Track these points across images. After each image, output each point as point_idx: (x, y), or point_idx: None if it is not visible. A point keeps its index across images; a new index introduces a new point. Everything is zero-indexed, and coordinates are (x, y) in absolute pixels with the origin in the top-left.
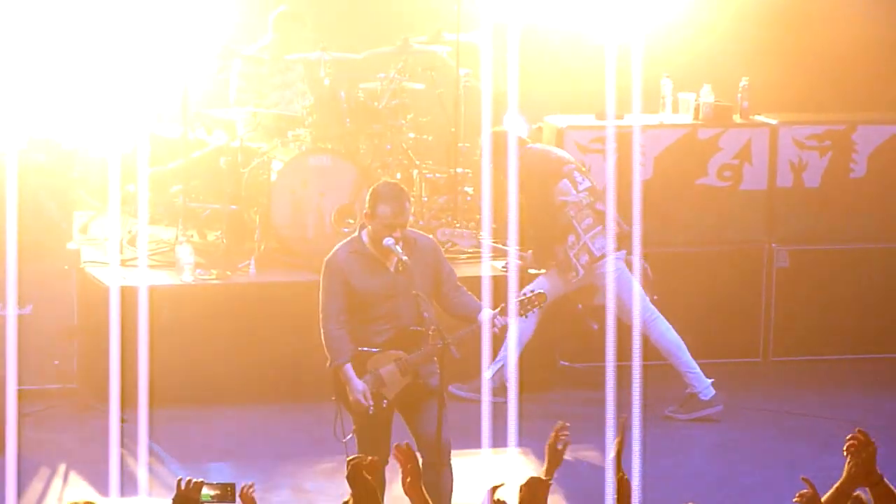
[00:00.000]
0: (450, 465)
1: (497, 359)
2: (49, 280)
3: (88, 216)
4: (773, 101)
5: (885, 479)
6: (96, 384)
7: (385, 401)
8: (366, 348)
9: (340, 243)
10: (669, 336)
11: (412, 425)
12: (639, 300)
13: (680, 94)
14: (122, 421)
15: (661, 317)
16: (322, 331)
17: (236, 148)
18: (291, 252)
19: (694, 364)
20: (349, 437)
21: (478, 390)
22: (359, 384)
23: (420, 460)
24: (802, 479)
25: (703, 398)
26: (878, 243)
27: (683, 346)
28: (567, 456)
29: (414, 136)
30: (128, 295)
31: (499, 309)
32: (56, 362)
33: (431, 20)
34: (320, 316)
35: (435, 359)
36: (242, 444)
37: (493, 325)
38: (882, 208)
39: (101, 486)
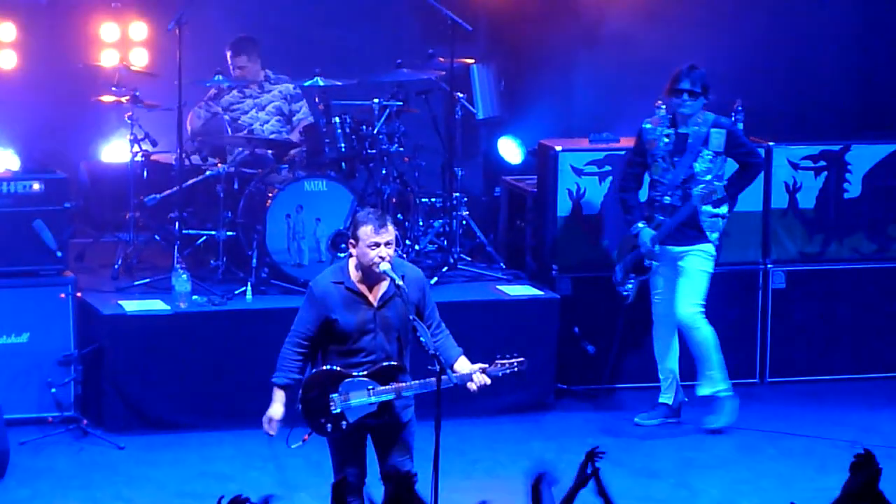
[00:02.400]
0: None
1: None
2: (46, 308)
3: (85, 244)
4: (768, 122)
5: (886, 497)
6: (94, 412)
7: (345, 423)
8: (342, 369)
9: (327, 269)
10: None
11: (380, 456)
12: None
13: None
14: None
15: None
16: (284, 345)
17: (232, 173)
18: (287, 278)
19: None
20: (298, 443)
21: (664, 416)
22: (274, 410)
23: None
24: None
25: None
26: (874, 263)
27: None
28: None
29: (409, 160)
30: (124, 323)
31: (480, 368)
32: (53, 390)
33: (425, 44)
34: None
35: (403, 393)
36: (241, 470)
37: (475, 382)
38: (877, 228)
39: None
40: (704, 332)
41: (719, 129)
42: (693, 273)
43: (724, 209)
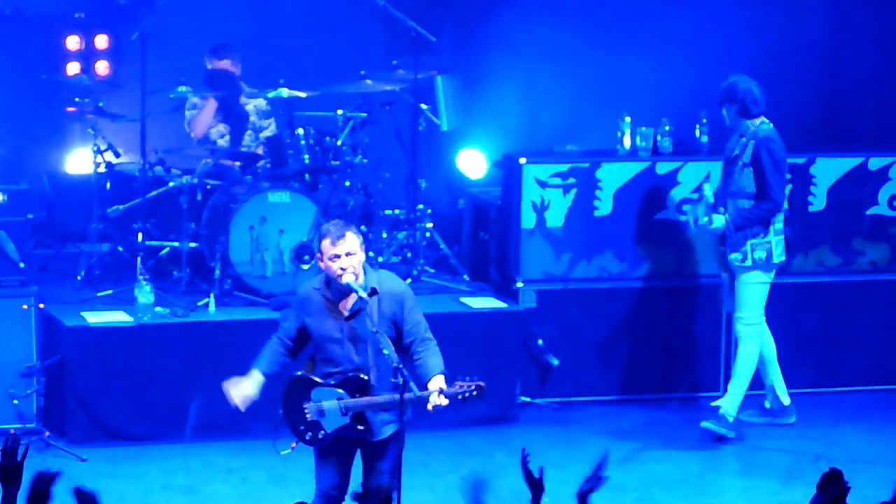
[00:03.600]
0: None
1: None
2: (8, 319)
3: (47, 255)
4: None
5: None
6: (57, 423)
7: (322, 431)
8: (313, 377)
9: (315, 276)
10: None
11: (364, 471)
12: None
13: (639, 129)
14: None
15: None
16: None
17: (195, 185)
18: (250, 290)
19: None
20: (287, 450)
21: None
22: (239, 381)
23: None
24: None
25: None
26: (839, 276)
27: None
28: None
29: (372, 172)
30: (87, 334)
31: (438, 390)
32: (16, 402)
33: (389, 56)
34: None
35: (377, 408)
36: (203, 482)
37: (430, 402)
38: (842, 241)
39: None
40: (745, 349)
41: (753, 141)
42: (745, 286)
43: (758, 231)
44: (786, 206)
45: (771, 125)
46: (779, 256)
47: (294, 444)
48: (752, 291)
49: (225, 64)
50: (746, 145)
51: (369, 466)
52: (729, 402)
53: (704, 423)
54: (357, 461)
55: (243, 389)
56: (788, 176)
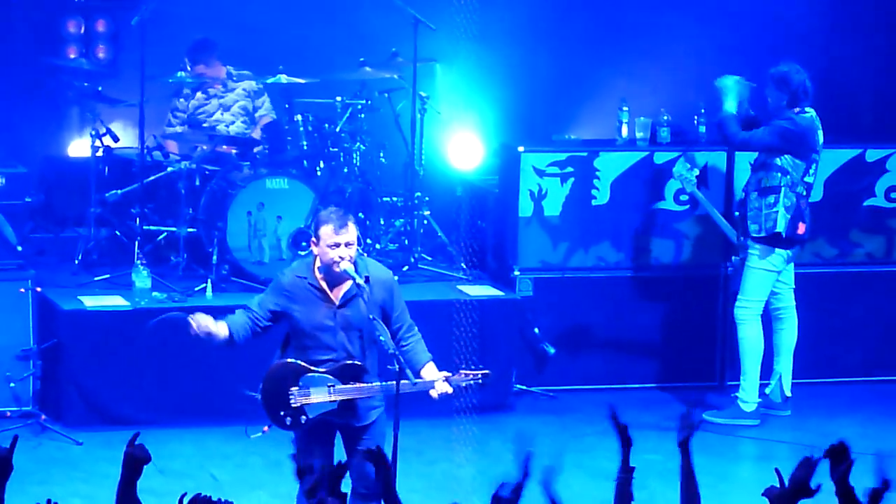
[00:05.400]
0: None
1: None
2: (5, 302)
3: (45, 239)
4: None
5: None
6: (53, 407)
7: (304, 417)
8: (304, 364)
9: (297, 262)
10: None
11: (348, 454)
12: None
13: (637, 119)
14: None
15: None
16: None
17: (193, 170)
18: (247, 276)
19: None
20: (258, 434)
21: (734, 416)
22: (200, 320)
23: (351, 488)
24: (776, 469)
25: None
26: (835, 268)
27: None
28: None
29: (371, 159)
30: (84, 318)
31: (443, 377)
32: (12, 385)
33: (388, 43)
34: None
35: (370, 395)
36: (199, 467)
37: (436, 390)
38: (838, 233)
39: None
40: (741, 333)
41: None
42: (748, 270)
43: (771, 199)
44: (802, 187)
45: (809, 115)
46: (781, 227)
47: (266, 428)
48: (755, 277)
49: (200, 69)
50: None
51: (352, 451)
52: (743, 391)
53: (716, 418)
54: (339, 445)
55: (207, 321)
56: (803, 163)
